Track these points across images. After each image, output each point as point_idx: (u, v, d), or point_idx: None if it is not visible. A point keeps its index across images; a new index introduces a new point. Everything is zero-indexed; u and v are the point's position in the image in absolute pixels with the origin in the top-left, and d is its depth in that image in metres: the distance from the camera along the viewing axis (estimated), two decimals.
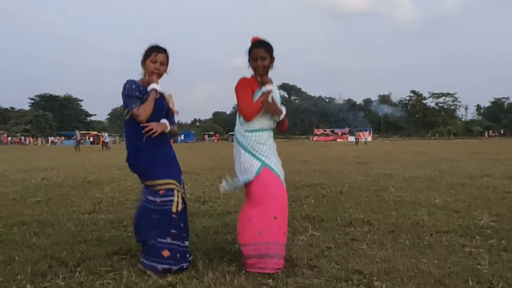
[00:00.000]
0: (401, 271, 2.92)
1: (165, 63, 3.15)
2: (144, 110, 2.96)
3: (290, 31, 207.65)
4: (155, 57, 3.09)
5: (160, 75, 3.14)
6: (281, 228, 3.02)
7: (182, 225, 3.04)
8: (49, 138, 73.68)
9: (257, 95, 3.11)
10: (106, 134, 40.33)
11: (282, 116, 3.15)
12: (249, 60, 3.18)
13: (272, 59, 3.19)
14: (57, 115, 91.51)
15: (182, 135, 71.69)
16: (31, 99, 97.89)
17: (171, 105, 3.24)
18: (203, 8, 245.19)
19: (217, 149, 31.83)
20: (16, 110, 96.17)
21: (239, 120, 3.18)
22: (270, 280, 2.78)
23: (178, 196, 3.02)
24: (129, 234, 4.03)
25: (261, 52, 3.12)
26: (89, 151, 30.97)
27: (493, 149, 24.12)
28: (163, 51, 3.13)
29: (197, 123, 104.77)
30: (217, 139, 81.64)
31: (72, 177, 9.74)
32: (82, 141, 34.28)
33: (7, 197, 6.60)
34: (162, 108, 3.13)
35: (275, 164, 3.14)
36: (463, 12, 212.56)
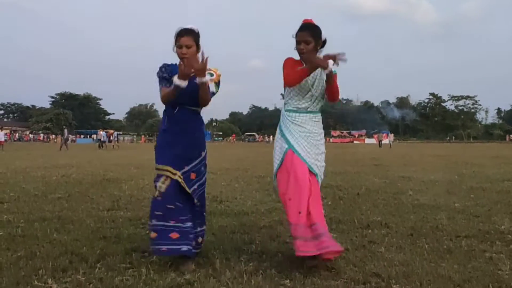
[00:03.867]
0: (420, 275, 2.89)
1: (191, 45, 3.09)
2: (163, 95, 3.11)
3: None
4: (179, 42, 3.09)
5: (187, 58, 3.10)
6: (296, 207, 2.97)
7: (171, 206, 3.05)
8: (69, 136, 74.79)
9: None
10: (103, 133, 38.29)
11: (330, 67, 2.97)
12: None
13: (317, 43, 3.12)
14: (76, 113, 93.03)
15: None
16: (52, 97, 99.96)
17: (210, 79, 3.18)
18: (220, 8, 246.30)
19: (234, 150, 31.92)
20: (37, 108, 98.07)
21: (284, 100, 3.29)
22: (288, 281, 2.78)
23: (163, 182, 3.06)
24: (147, 231, 4.07)
25: (305, 36, 3.07)
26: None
27: None
28: (185, 33, 3.10)
29: (214, 123, 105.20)
30: (234, 140, 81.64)
31: (91, 175, 9.88)
32: (69, 140, 33.80)
33: (29, 193, 6.73)
34: (192, 90, 3.08)
35: (304, 148, 3.11)
36: (483, 14, 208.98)
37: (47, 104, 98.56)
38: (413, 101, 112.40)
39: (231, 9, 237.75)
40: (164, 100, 3.12)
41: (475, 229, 4.24)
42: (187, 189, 3.11)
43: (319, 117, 3.27)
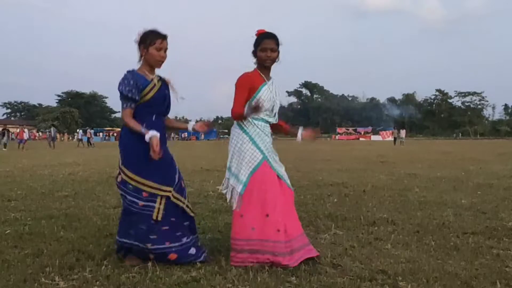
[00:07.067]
0: (427, 272, 2.88)
1: (167, 49, 3.01)
2: (129, 124, 2.90)
3: (314, 29, 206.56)
4: (161, 44, 2.93)
5: (162, 62, 3.02)
6: (274, 225, 2.99)
7: (166, 227, 2.98)
8: (75, 134, 75.10)
9: (260, 91, 3.12)
10: (83, 131, 37.20)
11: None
12: (254, 51, 3.18)
13: (278, 52, 3.20)
14: (83, 111, 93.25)
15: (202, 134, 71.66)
16: (58, 96, 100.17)
17: (174, 94, 3.15)
18: (228, 6, 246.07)
19: None
20: (43, 106, 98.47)
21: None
22: (293, 278, 2.78)
23: (160, 203, 2.95)
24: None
25: (272, 44, 3.13)
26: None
27: None
28: (165, 37, 2.97)
29: (219, 121, 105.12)
30: None
31: (98, 173, 9.94)
32: (57, 138, 33.37)
33: (36, 191, 6.78)
34: (164, 98, 3.03)
35: (273, 158, 3.18)
36: (490, 10, 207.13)
37: (53, 103, 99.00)
38: (420, 97, 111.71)
39: (233, 6, 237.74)
40: (126, 124, 2.92)
41: (482, 226, 4.22)
42: (181, 202, 3.09)
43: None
